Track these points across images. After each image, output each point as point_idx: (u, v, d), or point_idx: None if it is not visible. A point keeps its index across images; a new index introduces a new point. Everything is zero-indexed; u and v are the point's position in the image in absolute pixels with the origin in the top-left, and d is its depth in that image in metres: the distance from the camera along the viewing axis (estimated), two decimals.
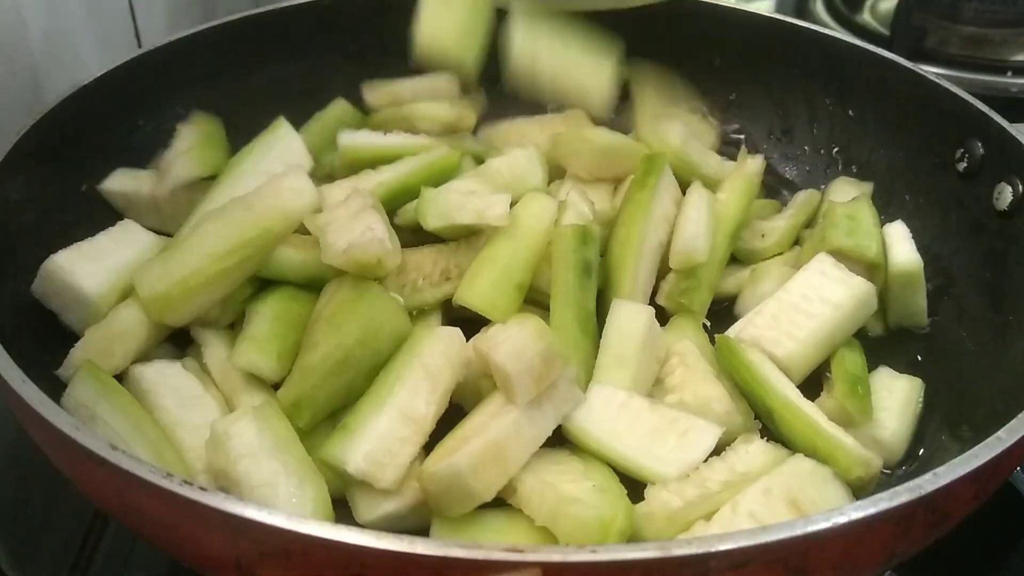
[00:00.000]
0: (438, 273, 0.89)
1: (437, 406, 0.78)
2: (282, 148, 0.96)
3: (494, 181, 0.97)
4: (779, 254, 1.02)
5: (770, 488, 0.71)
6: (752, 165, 1.03)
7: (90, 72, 0.98)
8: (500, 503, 0.74)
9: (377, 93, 1.18)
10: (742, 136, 1.21)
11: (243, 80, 1.14)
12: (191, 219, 0.90)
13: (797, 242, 1.04)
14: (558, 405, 0.76)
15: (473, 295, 0.86)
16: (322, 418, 0.78)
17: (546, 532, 0.71)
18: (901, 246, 0.96)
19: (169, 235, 0.94)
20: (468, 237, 0.92)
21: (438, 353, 0.80)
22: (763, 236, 1.02)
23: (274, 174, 0.92)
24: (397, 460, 0.74)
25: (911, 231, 1.02)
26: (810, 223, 1.07)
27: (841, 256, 0.92)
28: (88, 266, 0.88)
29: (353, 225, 0.81)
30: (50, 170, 0.92)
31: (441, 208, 0.89)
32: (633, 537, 0.71)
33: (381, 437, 0.75)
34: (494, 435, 0.72)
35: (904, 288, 0.94)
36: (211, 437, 0.73)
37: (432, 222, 0.88)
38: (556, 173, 1.07)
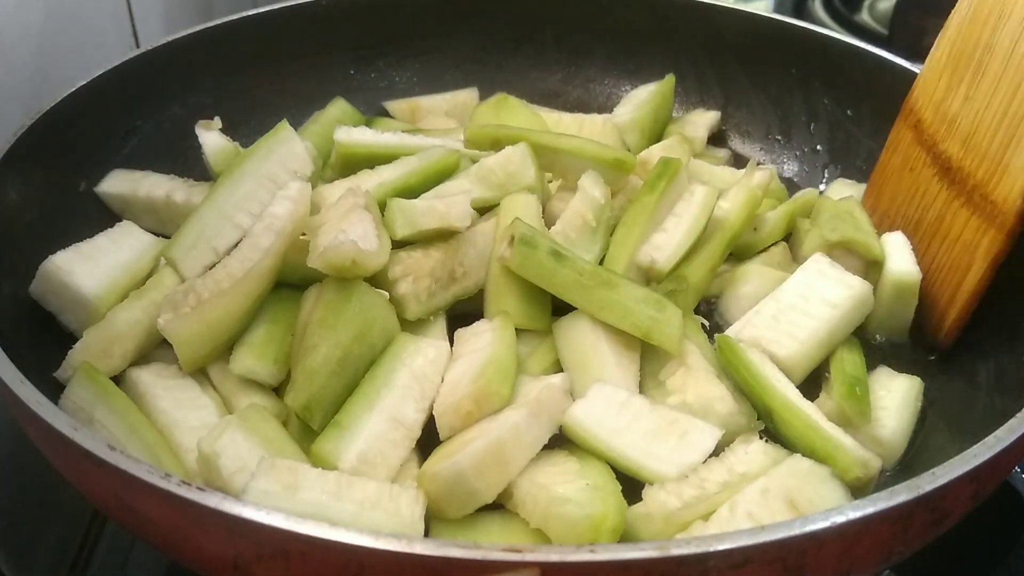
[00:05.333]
0: (446, 275, 0.89)
1: (425, 413, 0.78)
2: (284, 152, 0.96)
3: (488, 180, 0.97)
4: (773, 244, 1.02)
5: (767, 488, 0.71)
6: (758, 177, 1.02)
7: (88, 72, 0.98)
8: (497, 506, 0.74)
9: (398, 106, 1.20)
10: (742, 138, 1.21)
11: (241, 80, 1.14)
12: (189, 221, 0.89)
13: (788, 238, 1.04)
14: (553, 412, 0.76)
15: (511, 314, 0.86)
16: (331, 416, 0.78)
17: (542, 534, 0.71)
18: (900, 255, 0.95)
19: (167, 236, 0.94)
20: (463, 234, 0.92)
21: (427, 363, 0.81)
22: (755, 229, 1.02)
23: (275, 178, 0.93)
24: (388, 461, 0.74)
25: None
26: (805, 216, 1.06)
27: (840, 253, 0.92)
28: (86, 267, 0.87)
29: (337, 226, 0.82)
30: (48, 170, 0.92)
31: (407, 216, 0.89)
32: (629, 537, 0.71)
33: (373, 437, 0.75)
34: (495, 436, 0.72)
35: (897, 299, 0.92)
36: (200, 457, 0.72)
37: (400, 231, 0.88)
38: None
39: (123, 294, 0.88)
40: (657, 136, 1.16)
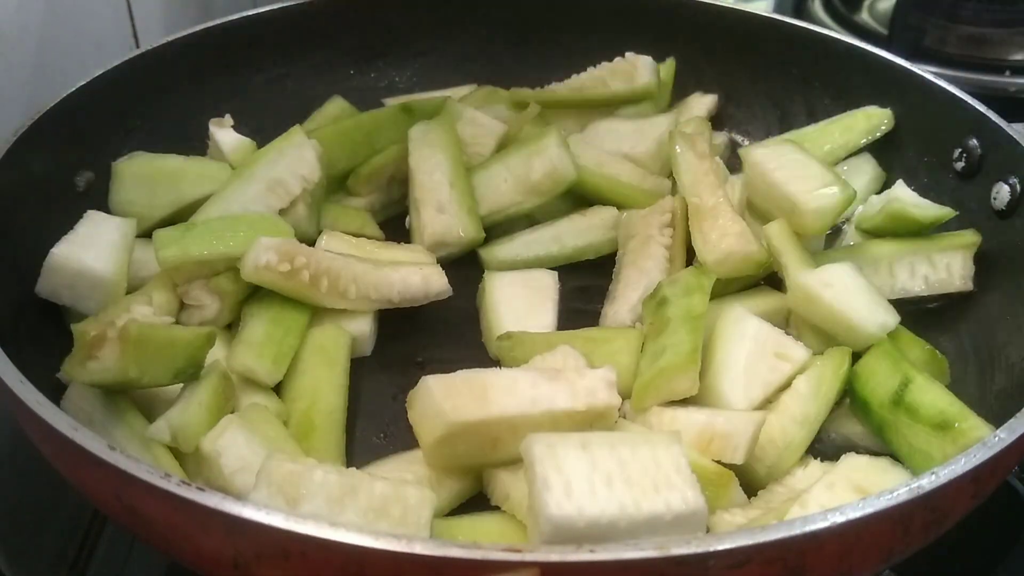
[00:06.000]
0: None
1: None
2: (294, 157, 0.96)
3: None
4: None
5: (833, 483, 0.72)
6: None
7: (88, 72, 0.98)
8: (497, 507, 0.74)
9: None
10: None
11: (241, 80, 1.14)
12: (193, 221, 0.90)
13: None
14: (585, 390, 0.74)
15: None
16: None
17: None
18: None
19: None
20: None
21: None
22: None
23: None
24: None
25: None
26: None
27: None
28: (91, 252, 0.88)
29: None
30: (48, 170, 0.92)
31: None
32: None
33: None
34: (480, 374, 0.73)
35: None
36: (201, 456, 0.72)
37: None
38: None
39: (126, 272, 0.89)
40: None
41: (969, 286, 0.92)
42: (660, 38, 1.21)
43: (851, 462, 0.75)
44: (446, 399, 0.70)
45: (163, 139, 1.06)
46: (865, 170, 1.07)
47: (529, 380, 0.73)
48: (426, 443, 0.73)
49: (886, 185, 1.06)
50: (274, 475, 0.65)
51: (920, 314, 0.95)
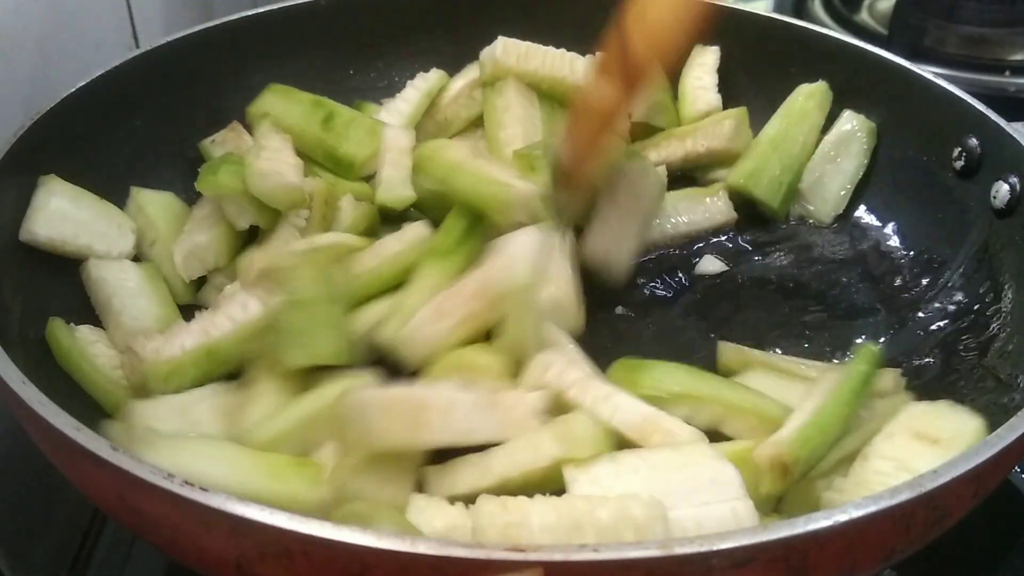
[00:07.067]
0: None
1: None
2: None
3: None
4: None
5: (893, 433, 0.72)
6: None
7: (88, 72, 0.98)
8: None
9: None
10: None
11: (241, 81, 1.14)
12: None
13: None
14: (507, 423, 0.71)
15: None
16: None
17: None
18: None
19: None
20: None
21: None
22: None
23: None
24: None
25: (908, 229, 1.02)
26: None
27: None
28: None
29: None
30: (48, 171, 0.92)
31: None
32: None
33: None
34: (423, 396, 0.69)
35: None
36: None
37: None
38: None
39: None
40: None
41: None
42: None
43: (910, 410, 0.75)
44: (379, 420, 0.68)
45: (163, 140, 1.07)
46: (857, 139, 1.08)
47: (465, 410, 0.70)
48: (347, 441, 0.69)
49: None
50: (489, 530, 0.62)
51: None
